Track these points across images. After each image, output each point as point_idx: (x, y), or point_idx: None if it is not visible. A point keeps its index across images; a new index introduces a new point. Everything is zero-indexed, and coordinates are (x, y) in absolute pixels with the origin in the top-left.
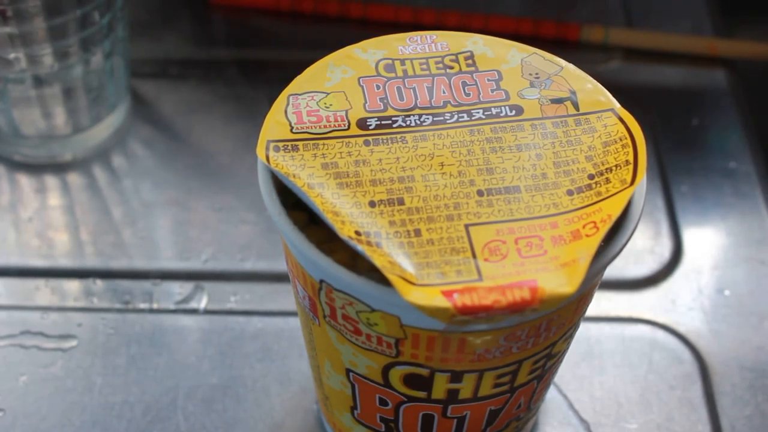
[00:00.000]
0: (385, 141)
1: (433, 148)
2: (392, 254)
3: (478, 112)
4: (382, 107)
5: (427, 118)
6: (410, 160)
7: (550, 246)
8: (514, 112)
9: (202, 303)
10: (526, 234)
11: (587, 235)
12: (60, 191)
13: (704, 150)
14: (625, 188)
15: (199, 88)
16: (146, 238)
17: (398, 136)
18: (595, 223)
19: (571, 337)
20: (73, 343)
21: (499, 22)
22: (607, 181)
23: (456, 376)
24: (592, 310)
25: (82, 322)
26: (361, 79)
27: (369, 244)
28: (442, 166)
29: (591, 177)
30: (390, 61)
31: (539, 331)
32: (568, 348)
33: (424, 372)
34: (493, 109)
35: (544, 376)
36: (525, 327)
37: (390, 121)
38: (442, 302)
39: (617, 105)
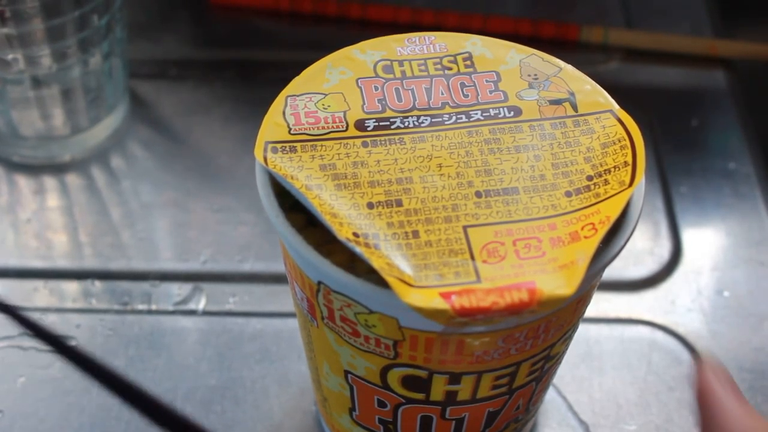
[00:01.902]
0: (383, 142)
1: (432, 150)
2: (390, 256)
3: (476, 114)
4: (381, 108)
5: (426, 120)
6: (408, 161)
7: (548, 248)
8: (512, 113)
9: (201, 304)
10: (525, 236)
11: (585, 237)
12: (58, 192)
13: (704, 151)
14: (624, 190)
15: (198, 89)
16: (145, 239)
17: (396, 137)
18: (593, 224)
19: (570, 338)
20: (72, 344)
21: (498, 22)
22: (606, 182)
23: (454, 378)
24: (591, 311)
25: (80, 323)
26: (359, 81)
27: (367, 245)
28: (440, 167)
29: (589, 178)
30: (388, 63)
31: (538, 333)
32: (566, 349)
33: (423, 374)
34: (491, 110)
35: (543, 378)
36: (523, 329)
37: (388, 123)
38: (441, 304)
39: (616, 106)
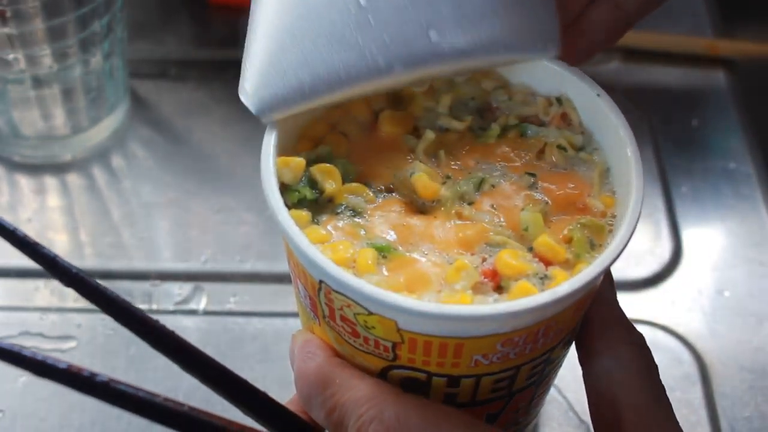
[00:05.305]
0: None
1: None
2: None
3: None
4: None
5: None
6: None
7: None
8: None
9: (202, 304)
10: None
11: None
12: (59, 192)
13: (704, 151)
14: None
15: (199, 89)
16: (145, 239)
17: None
18: None
19: (570, 342)
20: (72, 344)
21: None
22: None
23: (453, 381)
24: None
25: (81, 322)
26: None
27: None
28: None
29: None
30: None
31: (537, 337)
32: (567, 353)
33: (422, 376)
34: None
35: (543, 381)
36: (522, 333)
37: None
38: None
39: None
